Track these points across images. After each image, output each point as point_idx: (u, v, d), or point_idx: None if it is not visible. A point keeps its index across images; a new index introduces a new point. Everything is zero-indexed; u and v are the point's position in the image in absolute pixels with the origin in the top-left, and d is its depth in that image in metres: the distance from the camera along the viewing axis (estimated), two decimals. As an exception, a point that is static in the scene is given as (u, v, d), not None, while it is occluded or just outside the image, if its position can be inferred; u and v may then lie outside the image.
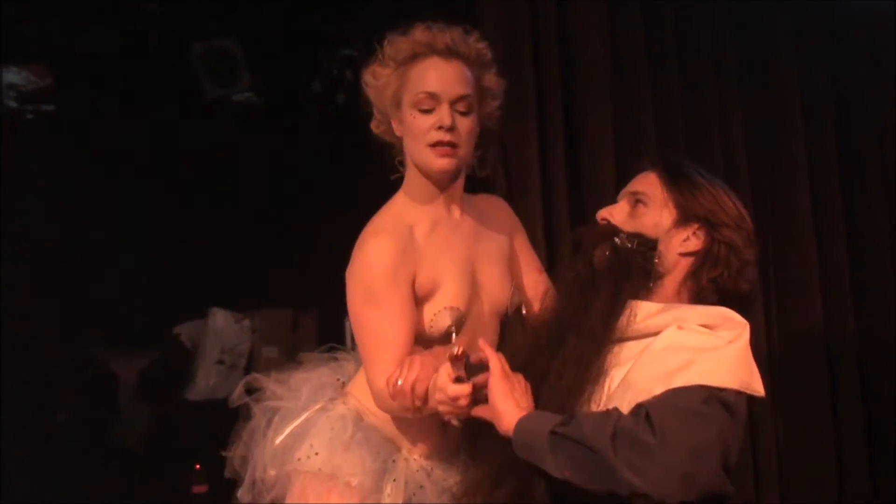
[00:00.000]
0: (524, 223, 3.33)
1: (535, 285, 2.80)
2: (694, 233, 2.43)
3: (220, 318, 4.51)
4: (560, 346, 2.38)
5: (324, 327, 4.45)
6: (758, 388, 2.32)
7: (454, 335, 2.62)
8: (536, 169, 3.49)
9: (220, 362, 4.48)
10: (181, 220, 4.26)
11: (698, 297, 2.44)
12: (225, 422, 2.82)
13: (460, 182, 2.70)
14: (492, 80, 2.68)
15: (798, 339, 3.66)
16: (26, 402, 4.05)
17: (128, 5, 4.14)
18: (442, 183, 2.66)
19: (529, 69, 3.52)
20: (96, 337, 4.31)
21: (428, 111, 2.59)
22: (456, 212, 2.71)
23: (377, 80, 2.66)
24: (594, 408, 2.33)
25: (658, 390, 2.24)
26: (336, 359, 2.86)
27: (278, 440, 2.69)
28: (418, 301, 2.62)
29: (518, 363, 2.43)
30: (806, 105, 3.74)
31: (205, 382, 4.47)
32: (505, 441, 2.33)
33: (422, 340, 2.64)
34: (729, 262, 2.43)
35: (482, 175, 2.76)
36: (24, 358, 4.03)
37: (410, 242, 2.62)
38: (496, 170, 3.46)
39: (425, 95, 2.59)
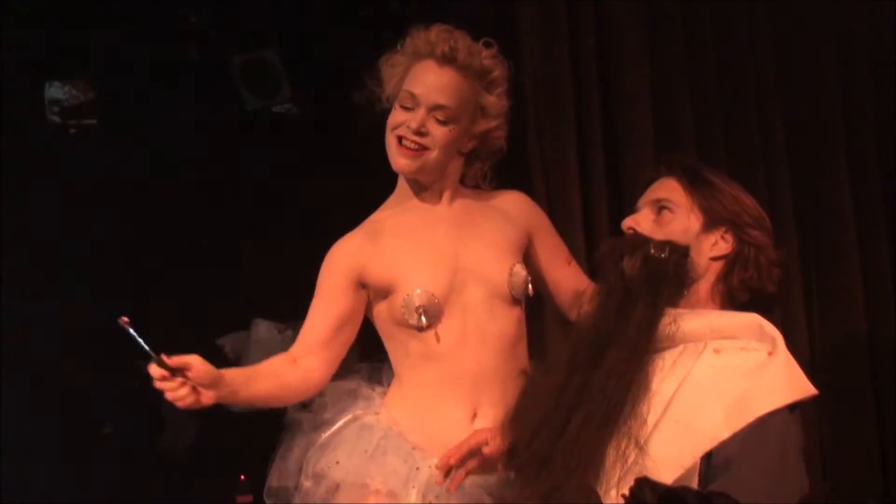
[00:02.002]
0: (564, 230, 3.40)
1: (565, 279, 2.88)
2: (722, 236, 2.47)
3: (262, 330, 4.57)
4: (600, 360, 2.41)
5: (364, 337, 4.50)
6: (811, 388, 2.35)
7: (423, 318, 2.69)
8: (576, 176, 3.55)
9: (264, 373, 4.52)
10: (223, 231, 4.33)
11: (730, 299, 2.48)
12: (269, 432, 2.92)
13: (449, 178, 2.79)
14: (490, 100, 2.76)
15: (841, 346, 3.68)
16: (74, 414, 4.14)
17: (169, 19, 4.22)
18: (420, 181, 2.76)
19: (567, 74, 3.58)
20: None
21: (407, 109, 2.69)
22: (443, 203, 2.80)
23: (393, 67, 2.76)
24: (639, 423, 2.35)
25: (723, 434, 2.27)
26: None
27: (308, 451, 2.78)
28: (385, 291, 2.74)
29: (558, 379, 2.46)
30: (847, 113, 3.75)
31: (247, 392, 4.52)
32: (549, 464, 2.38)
33: (400, 332, 2.75)
34: (758, 263, 2.47)
35: (489, 188, 2.84)
36: (70, 371, 4.11)
37: (370, 237, 2.76)
38: (536, 181, 3.52)
39: (407, 94, 2.70)
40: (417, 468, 2.68)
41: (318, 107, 4.38)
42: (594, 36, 3.62)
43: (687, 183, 2.51)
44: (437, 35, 2.71)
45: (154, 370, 2.48)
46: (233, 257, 4.34)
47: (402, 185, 2.82)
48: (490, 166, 2.86)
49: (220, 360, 4.57)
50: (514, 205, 2.87)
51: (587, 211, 3.57)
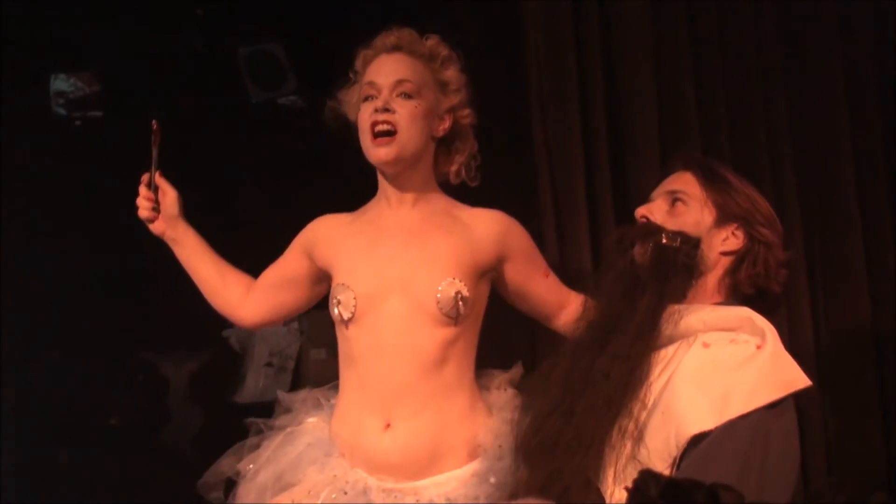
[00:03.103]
0: (569, 222, 3.41)
1: (545, 291, 2.86)
2: (733, 232, 2.50)
3: (267, 322, 4.58)
4: (605, 345, 2.43)
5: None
6: (802, 380, 2.37)
7: (335, 309, 2.74)
8: (581, 169, 3.55)
9: (269, 365, 4.55)
10: (228, 223, 4.34)
11: (735, 294, 2.50)
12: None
13: (418, 179, 2.81)
14: (449, 74, 2.81)
15: (846, 334, 3.69)
16: (80, 407, 4.16)
17: (174, 11, 4.22)
18: (391, 177, 2.79)
19: (572, 70, 3.58)
20: (147, 341, 4.39)
21: (371, 99, 2.74)
22: (403, 209, 2.81)
23: (350, 97, 2.84)
24: (638, 407, 2.38)
25: (708, 425, 2.31)
26: None
27: (242, 457, 2.82)
28: (328, 275, 2.84)
29: (565, 366, 2.48)
30: (852, 99, 3.75)
31: (254, 385, 4.55)
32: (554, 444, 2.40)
33: (339, 331, 2.81)
34: (767, 262, 2.50)
35: (473, 185, 2.85)
36: (76, 363, 4.12)
37: (340, 224, 2.87)
38: (542, 173, 3.52)
39: (368, 85, 2.76)
40: (335, 475, 2.70)
41: (323, 99, 4.39)
42: (599, 29, 3.63)
43: (703, 178, 2.55)
44: (381, 37, 2.81)
45: (144, 176, 2.93)
46: (238, 249, 4.35)
47: (378, 190, 2.87)
48: (473, 159, 2.87)
49: (225, 351, 4.62)
50: (486, 226, 2.82)
51: (592, 203, 3.58)
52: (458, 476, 2.70)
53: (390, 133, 2.71)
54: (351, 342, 2.75)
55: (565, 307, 2.83)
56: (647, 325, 2.44)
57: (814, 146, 3.76)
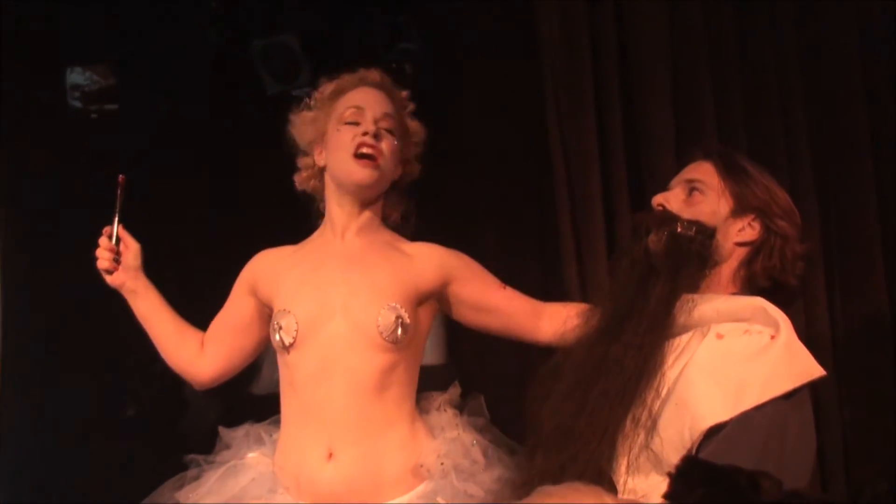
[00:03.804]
0: (584, 215, 3.40)
1: (506, 302, 2.89)
2: (749, 223, 2.49)
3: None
4: (618, 333, 2.43)
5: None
6: (817, 370, 2.36)
7: (277, 335, 2.77)
8: (596, 164, 3.55)
9: (285, 356, 4.55)
10: (244, 216, 4.35)
11: (751, 285, 2.48)
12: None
13: (370, 211, 2.85)
14: (414, 125, 2.89)
15: (862, 325, 3.68)
16: (98, 397, 4.17)
17: (189, 4, 4.23)
18: (360, 198, 2.82)
19: (587, 63, 3.59)
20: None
21: (354, 124, 2.77)
22: (348, 236, 2.85)
23: (304, 118, 2.88)
24: (651, 396, 2.37)
25: (722, 417, 2.31)
26: None
27: (182, 486, 2.88)
28: (270, 307, 2.85)
29: (579, 353, 2.48)
30: (869, 92, 3.74)
31: (269, 376, 4.53)
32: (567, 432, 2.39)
33: (280, 358, 2.84)
34: (783, 254, 2.49)
35: (411, 229, 2.91)
36: (94, 353, 4.13)
37: (280, 257, 2.89)
38: (557, 164, 3.52)
39: (354, 109, 2.80)
40: None
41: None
42: (614, 26, 3.63)
43: (721, 167, 2.55)
44: (362, 70, 2.86)
45: (107, 229, 2.94)
46: (253, 241, 4.35)
47: (324, 219, 2.90)
48: (413, 207, 2.94)
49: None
50: (426, 253, 2.88)
51: (607, 197, 3.58)
52: (404, 502, 2.73)
53: (373, 158, 2.74)
54: (292, 369, 2.78)
55: (541, 315, 2.87)
56: (661, 314, 2.45)
57: (831, 139, 3.75)
